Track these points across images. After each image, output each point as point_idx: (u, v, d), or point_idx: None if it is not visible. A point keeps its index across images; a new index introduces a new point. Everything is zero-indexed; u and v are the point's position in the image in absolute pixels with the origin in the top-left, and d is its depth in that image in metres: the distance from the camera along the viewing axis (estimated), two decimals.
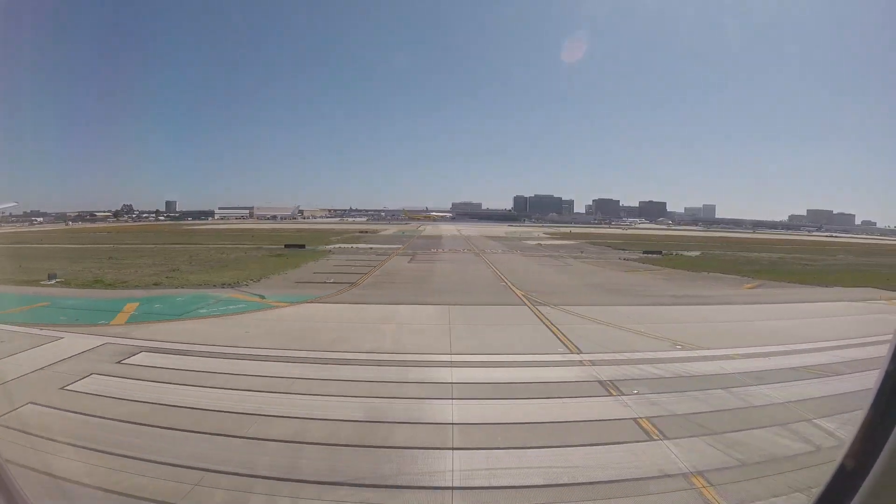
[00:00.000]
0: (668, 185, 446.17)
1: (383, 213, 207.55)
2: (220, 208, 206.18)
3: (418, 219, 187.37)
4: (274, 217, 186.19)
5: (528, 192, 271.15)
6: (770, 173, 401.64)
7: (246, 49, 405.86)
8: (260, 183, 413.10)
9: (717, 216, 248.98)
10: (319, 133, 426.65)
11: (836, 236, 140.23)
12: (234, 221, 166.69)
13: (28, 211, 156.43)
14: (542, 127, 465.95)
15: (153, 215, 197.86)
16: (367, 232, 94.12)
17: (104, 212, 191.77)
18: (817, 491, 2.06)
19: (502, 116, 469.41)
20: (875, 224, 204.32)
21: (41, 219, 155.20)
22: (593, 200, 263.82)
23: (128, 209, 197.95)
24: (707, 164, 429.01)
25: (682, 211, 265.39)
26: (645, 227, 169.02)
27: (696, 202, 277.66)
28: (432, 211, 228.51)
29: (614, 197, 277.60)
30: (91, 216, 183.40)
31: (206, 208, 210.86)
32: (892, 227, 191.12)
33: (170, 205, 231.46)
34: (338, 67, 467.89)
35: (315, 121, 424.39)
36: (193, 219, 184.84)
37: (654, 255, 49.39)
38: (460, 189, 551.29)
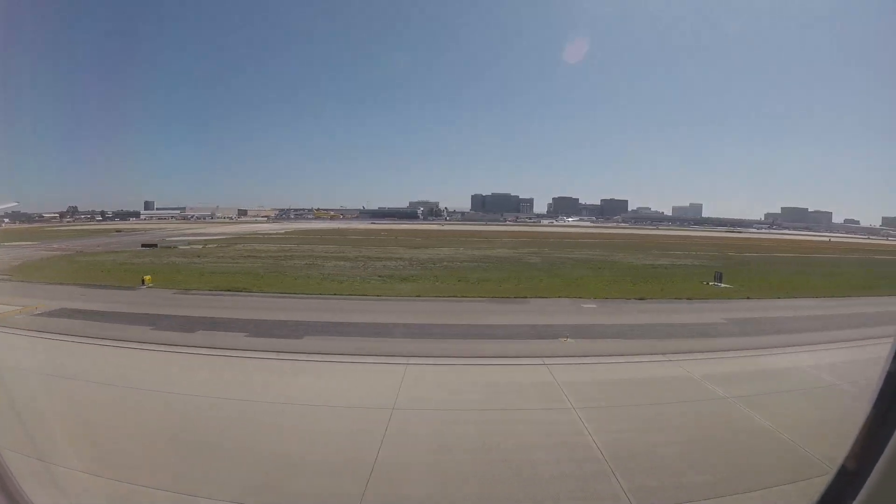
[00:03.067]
0: (664, 185, 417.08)
1: (292, 213, 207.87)
2: (157, 209, 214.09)
3: (323, 217, 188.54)
4: (192, 217, 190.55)
5: (503, 192, 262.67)
6: (762, 172, 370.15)
7: (246, 53, 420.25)
8: (254, 183, 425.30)
9: (703, 215, 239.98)
10: (311, 138, 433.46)
11: (769, 234, 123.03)
12: (152, 221, 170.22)
13: (12, 212, 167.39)
14: (515, 129, 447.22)
15: (96, 216, 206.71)
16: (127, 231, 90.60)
17: (51, 213, 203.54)
18: (819, 491, 2.03)
19: (478, 120, 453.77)
20: (858, 222, 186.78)
21: (7, 219, 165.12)
22: (553, 199, 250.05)
23: (73, 210, 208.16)
24: (699, 164, 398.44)
25: (670, 211, 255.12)
26: (547, 224, 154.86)
27: (685, 201, 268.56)
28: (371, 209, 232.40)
29: (574, 195, 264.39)
30: (40, 217, 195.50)
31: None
32: (875, 225, 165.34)
33: (148, 204, 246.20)
34: (331, 71, 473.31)
35: (308, 129, 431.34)
36: (121, 220, 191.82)
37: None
38: (447, 188, 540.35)
